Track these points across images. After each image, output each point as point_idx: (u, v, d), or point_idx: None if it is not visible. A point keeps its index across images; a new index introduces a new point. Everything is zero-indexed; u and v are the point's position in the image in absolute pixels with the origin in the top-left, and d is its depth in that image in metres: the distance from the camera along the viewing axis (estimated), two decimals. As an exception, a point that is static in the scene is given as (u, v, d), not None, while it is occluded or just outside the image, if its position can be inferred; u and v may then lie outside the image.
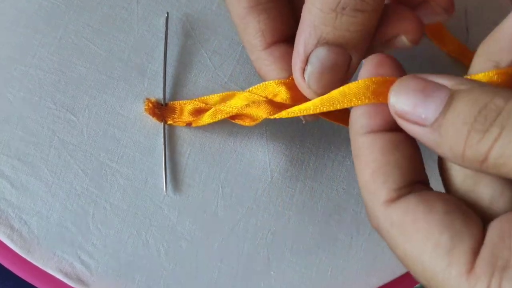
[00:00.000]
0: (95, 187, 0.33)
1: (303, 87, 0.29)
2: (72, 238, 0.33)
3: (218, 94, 0.34)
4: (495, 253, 0.23)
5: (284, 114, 0.30)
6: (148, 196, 0.34)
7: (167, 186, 0.34)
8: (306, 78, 0.28)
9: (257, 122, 0.32)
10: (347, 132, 0.35)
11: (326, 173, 0.35)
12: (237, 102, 0.33)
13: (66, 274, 0.32)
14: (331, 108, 0.27)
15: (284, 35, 0.31)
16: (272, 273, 0.34)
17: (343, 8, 0.27)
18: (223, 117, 0.33)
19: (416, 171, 0.26)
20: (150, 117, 0.34)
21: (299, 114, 0.29)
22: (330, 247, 0.35)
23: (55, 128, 0.34)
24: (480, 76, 0.26)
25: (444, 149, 0.24)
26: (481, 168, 0.23)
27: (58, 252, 0.32)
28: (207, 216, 0.34)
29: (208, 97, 0.34)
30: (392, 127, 0.26)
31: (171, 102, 0.35)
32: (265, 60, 0.31)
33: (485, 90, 0.23)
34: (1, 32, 0.35)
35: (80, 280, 0.32)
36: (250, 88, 0.32)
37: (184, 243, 0.33)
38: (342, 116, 0.31)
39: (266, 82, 0.31)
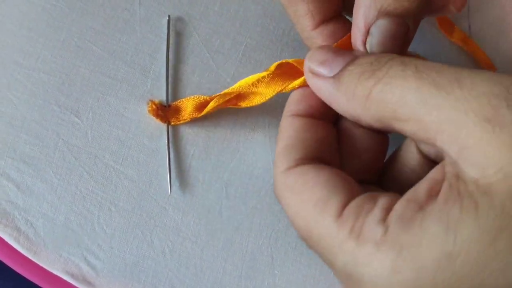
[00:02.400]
0: (100, 189, 0.34)
1: None
2: (78, 239, 0.33)
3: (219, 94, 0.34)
4: (361, 204, 0.26)
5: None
6: (153, 197, 0.34)
7: (171, 186, 0.34)
8: (368, 49, 0.29)
9: (265, 99, 0.33)
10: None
11: (329, 172, 0.36)
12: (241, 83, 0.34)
13: (72, 275, 0.33)
14: None
15: (332, 14, 0.32)
16: (276, 272, 0.34)
17: None
18: (224, 102, 0.33)
19: (322, 151, 0.29)
20: (154, 118, 0.34)
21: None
22: (334, 245, 0.35)
23: (60, 130, 0.34)
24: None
25: (339, 97, 0.28)
26: (365, 105, 0.26)
27: (64, 254, 0.33)
28: (211, 216, 0.34)
29: (211, 96, 0.35)
30: (311, 115, 0.30)
31: (174, 103, 0.35)
32: (315, 39, 0.32)
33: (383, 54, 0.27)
34: (4, 35, 0.35)
35: (86, 281, 0.33)
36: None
37: (189, 243, 0.34)
38: None
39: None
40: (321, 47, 0.30)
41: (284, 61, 0.32)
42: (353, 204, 0.26)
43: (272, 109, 0.36)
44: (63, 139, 0.34)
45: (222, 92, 0.34)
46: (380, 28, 0.29)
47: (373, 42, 0.29)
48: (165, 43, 0.36)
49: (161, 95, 0.35)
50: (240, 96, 0.34)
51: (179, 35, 0.37)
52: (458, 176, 0.24)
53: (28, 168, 0.34)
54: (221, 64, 0.37)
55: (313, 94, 0.30)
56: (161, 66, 0.36)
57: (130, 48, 0.36)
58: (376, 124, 0.27)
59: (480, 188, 0.23)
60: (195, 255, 0.33)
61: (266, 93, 0.33)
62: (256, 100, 0.33)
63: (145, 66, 0.36)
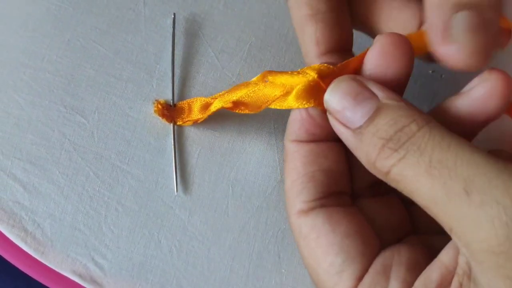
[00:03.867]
0: (106, 188, 0.34)
1: (455, 52, 0.27)
2: (85, 239, 0.33)
3: (225, 90, 0.34)
4: (374, 282, 0.26)
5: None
6: (159, 196, 0.34)
7: (177, 186, 0.34)
8: (455, 38, 0.27)
9: (263, 106, 0.31)
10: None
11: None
12: (243, 89, 0.32)
13: (80, 276, 0.33)
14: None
15: (338, 45, 0.31)
16: (283, 271, 0.34)
17: None
18: (228, 100, 0.32)
19: (335, 182, 0.29)
20: (160, 118, 0.35)
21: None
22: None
23: (66, 131, 0.34)
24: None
25: (360, 154, 0.27)
26: (385, 178, 0.26)
27: (71, 254, 0.33)
28: (217, 215, 0.34)
29: (218, 94, 0.34)
30: (317, 138, 0.29)
31: (180, 103, 0.35)
32: None
33: (406, 111, 0.26)
34: (10, 36, 0.35)
35: (94, 281, 0.33)
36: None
37: (196, 242, 0.34)
38: None
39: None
40: (340, 83, 0.28)
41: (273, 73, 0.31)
42: (366, 280, 0.26)
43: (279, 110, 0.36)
44: (69, 140, 0.34)
45: (223, 92, 0.34)
46: (459, 21, 0.27)
47: (458, 30, 0.27)
48: (170, 42, 0.36)
49: (166, 95, 0.35)
50: (242, 102, 0.33)
51: (184, 34, 0.37)
52: (469, 277, 0.24)
53: (35, 168, 0.34)
54: (226, 63, 0.37)
55: (315, 115, 0.29)
56: (166, 65, 0.36)
57: (136, 48, 0.36)
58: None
59: None
60: (202, 255, 0.33)
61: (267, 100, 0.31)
62: (259, 107, 0.32)
63: (151, 66, 0.36)
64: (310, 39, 0.31)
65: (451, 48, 0.27)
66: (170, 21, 0.37)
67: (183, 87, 0.36)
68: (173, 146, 0.34)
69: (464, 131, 0.27)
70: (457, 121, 0.28)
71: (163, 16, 0.37)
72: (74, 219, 0.33)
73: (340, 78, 0.28)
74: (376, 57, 0.28)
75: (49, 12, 0.36)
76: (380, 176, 0.26)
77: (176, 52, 0.36)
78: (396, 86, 0.28)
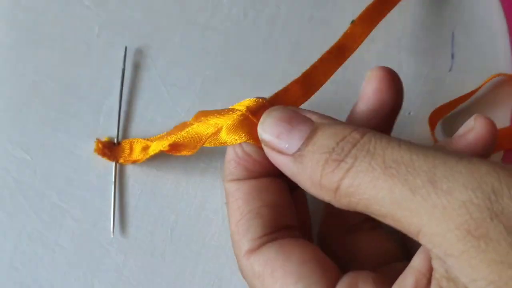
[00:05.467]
0: (45, 228, 0.33)
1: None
2: (22, 279, 0.33)
3: (165, 132, 0.33)
4: None
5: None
6: (96, 238, 0.33)
7: (114, 228, 0.33)
8: None
9: (198, 146, 0.31)
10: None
11: (283, 216, 0.33)
12: (178, 130, 0.32)
13: (12, 316, 0.33)
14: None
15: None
16: (218, 322, 0.32)
17: None
18: (164, 147, 0.32)
19: (282, 217, 0.28)
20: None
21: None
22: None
23: (10, 167, 0.34)
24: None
25: (303, 178, 0.25)
26: (335, 198, 0.24)
27: (7, 293, 0.33)
28: (154, 260, 0.33)
29: (158, 136, 0.33)
30: (257, 174, 0.28)
31: (123, 141, 0.34)
32: None
33: (344, 125, 0.25)
34: (-35, 69, 0.36)
35: (25, 322, 0.33)
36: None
37: (129, 287, 0.33)
38: None
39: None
40: (271, 112, 0.27)
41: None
42: None
43: (225, 149, 0.34)
44: (12, 177, 0.34)
45: (163, 134, 0.33)
46: None
47: None
48: (120, 76, 0.35)
49: (113, 132, 0.35)
50: (178, 144, 0.32)
51: (135, 68, 0.36)
52: (449, 279, 0.22)
53: (-20, 204, 0.34)
54: (177, 99, 0.35)
55: (251, 152, 0.28)
56: (115, 101, 0.35)
57: (85, 83, 0.35)
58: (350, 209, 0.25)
59: None
60: (134, 301, 0.33)
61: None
62: (194, 146, 0.31)
63: (99, 101, 0.35)
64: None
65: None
66: (122, 54, 0.36)
67: (129, 124, 0.35)
68: (113, 186, 0.34)
69: None
70: None
71: (116, 49, 0.36)
72: (12, 258, 0.33)
73: (272, 108, 0.27)
74: (372, 92, 0.28)
75: (1, 46, 0.36)
76: (328, 198, 0.24)
77: (125, 86, 0.35)
78: (390, 116, 0.28)
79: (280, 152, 0.26)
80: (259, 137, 0.27)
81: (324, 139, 0.24)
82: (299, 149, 0.25)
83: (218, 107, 0.34)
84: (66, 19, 0.36)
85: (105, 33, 0.36)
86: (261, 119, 0.27)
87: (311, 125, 0.25)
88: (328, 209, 0.31)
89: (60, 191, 0.34)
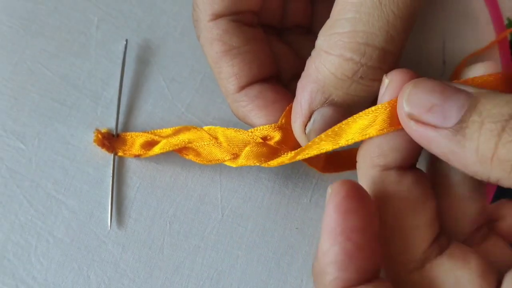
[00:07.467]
0: (39, 218, 0.33)
1: (303, 140, 0.29)
2: (14, 270, 0.32)
3: (171, 128, 0.33)
4: None
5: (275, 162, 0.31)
6: (93, 230, 0.33)
7: (112, 220, 0.33)
8: (307, 131, 0.28)
9: (211, 163, 0.32)
10: (306, 167, 0.34)
11: (280, 211, 0.34)
12: (190, 136, 0.32)
13: (3, 308, 0.32)
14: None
15: (260, 77, 0.31)
16: (216, 315, 0.32)
17: (361, 77, 0.26)
18: (172, 148, 0.32)
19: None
20: (100, 148, 0.33)
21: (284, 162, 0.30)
22: (282, 289, 0.33)
23: (4, 156, 0.33)
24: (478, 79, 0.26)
25: (466, 154, 0.22)
26: (511, 173, 0.21)
27: (-2, 284, 0.32)
28: (152, 252, 0.33)
29: (161, 130, 0.33)
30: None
31: (123, 133, 0.34)
32: (241, 101, 0.31)
33: (509, 95, 0.22)
34: (-43, 55, 0.35)
35: (17, 315, 0.32)
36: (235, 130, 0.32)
37: (126, 280, 0.32)
38: (315, 160, 0.32)
39: (257, 128, 0.31)
40: (419, 83, 0.24)
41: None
42: None
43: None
44: (6, 165, 0.33)
45: (169, 139, 0.33)
46: (323, 116, 0.27)
47: (315, 127, 0.28)
48: (119, 69, 0.35)
49: (111, 124, 0.34)
50: (190, 149, 0.32)
51: (135, 61, 0.36)
52: None
53: (-30, 193, 0.33)
54: (177, 93, 0.35)
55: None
56: (113, 93, 0.35)
57: (83, 73, 0.35)
58: None
59: None
60: (131, 293, 0.32)
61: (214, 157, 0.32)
62: (200, 160, 0.32)
63: (97, 93, 0.35)
64: (228, 75, 0.30)
65: (303, 138, 0.29)
66: (122, 47, 0.35)
67: (129, 116, 0.35)
68: (111, 178, 0.33)
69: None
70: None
71: (115, 42, 0.36)
72: (4, 248, 0.32)
73: (416, 79, 0.24)
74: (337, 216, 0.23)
75: (-3, 33, 0.35)
76: (501, 174, 0.22)
77: (125, 79, 0.35)
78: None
79: (433, 126, 0.23)
80: (403, 110, 0.24)
81: (494, 107, 0.22)
82: (460, 121, 0.22)
83: (217, 103, 0.35)
84: (65, 9, 0.36)
85: (104, 26, 0.36)
86: (405, 92, 0.24)
87: (468, 95, 0.23)
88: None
89: (55, 181, 0.33)
